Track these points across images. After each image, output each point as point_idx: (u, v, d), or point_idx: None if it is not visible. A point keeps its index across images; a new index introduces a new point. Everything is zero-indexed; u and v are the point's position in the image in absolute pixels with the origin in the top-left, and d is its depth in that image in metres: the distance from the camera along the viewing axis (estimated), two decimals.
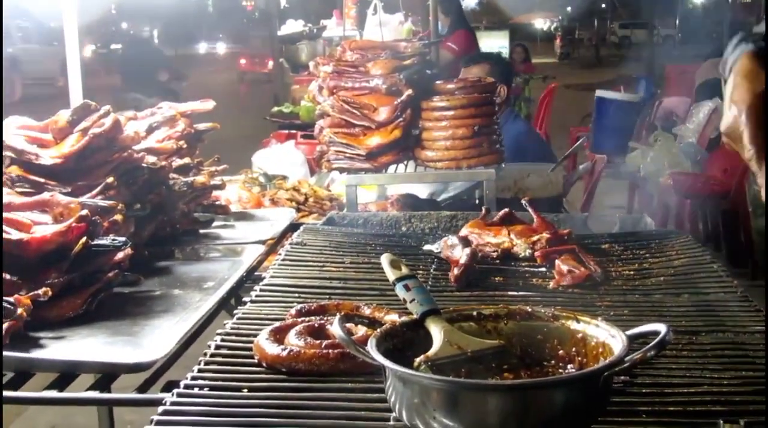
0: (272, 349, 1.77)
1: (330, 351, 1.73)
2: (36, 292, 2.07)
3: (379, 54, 3.98)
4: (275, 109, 8.66)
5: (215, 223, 3.22)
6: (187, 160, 3.02)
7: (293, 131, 6.79)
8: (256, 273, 2.71)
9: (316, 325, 1.88)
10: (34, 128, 2.59)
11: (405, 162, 3.82)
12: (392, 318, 1.95)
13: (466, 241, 2.51)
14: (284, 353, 1.74)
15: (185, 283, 2.52)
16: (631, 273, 2.44)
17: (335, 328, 1.63)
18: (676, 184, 8.36)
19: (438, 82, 3.91)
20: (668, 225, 8.21)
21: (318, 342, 1.78)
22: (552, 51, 36.72)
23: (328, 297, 2.25)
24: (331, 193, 4.98)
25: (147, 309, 2.29)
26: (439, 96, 3.69)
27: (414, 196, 4.42)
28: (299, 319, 1.94)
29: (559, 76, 21.67)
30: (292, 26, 9.77)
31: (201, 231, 3.12)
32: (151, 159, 2.72)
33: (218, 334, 1.99)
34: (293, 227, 3.21)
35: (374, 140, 3.65)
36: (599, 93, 11.63)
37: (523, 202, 2.90)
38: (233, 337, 1.97)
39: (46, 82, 21.59)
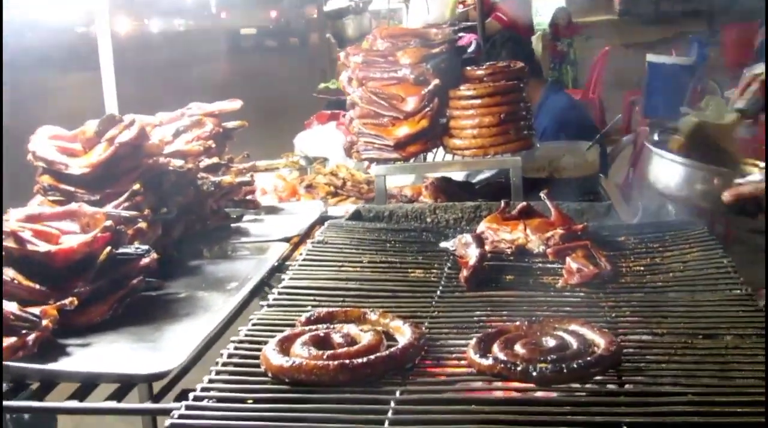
0: (277, 360, 1.86)
1: (330, 363, 1.81)
2: (63, 302, 2.19)
3: (408, 42, 4.03)
4: (322, 85, 8.74)
5: (246, 218, 3.32)
6: (215, 159, 3.11)
7: (335, 111, 6.86)
8: (286, 264, 2.80)
9: (321, 334, 1.97)
10: (64, 138, 2.70)
11: (434, 150, 3.88)
12: (396, 324, 2.03)
13: (479, 240, 2.57)
14: (287, 365, 1.83)
15: (210, 284, 2.63)
16: (641, 268, 2.48)
17: None
18: None
19: (468, 68, 3.95)
20: None
21: (320, 353, 1.86)
22: (611, 7, 36.00)
23: (342, 300, 2.33)
24: (369, 175, 5.05)
25: (171, 312, 2.40)
26: (466, 85, 3.73)
27: (448, 179, 4.47)
28: (307, 328, 2.03)
29: (616, 35, 21.21)
30: (338, 1, 9.82)
31: (232, 225, 3.23)
32: (178, 162, 2.82)
33: (232, 342, 2.08)
34: (322, 220, 3.31)
35: (402, 130, 3.71)
36: (650, 57, 11.46)
37: (542, 195, 2.95)
38: (246, 345, 2.06)
39: None
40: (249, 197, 3.40)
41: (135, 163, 2.65)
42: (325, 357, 1.85)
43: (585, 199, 4.84)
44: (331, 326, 2.03)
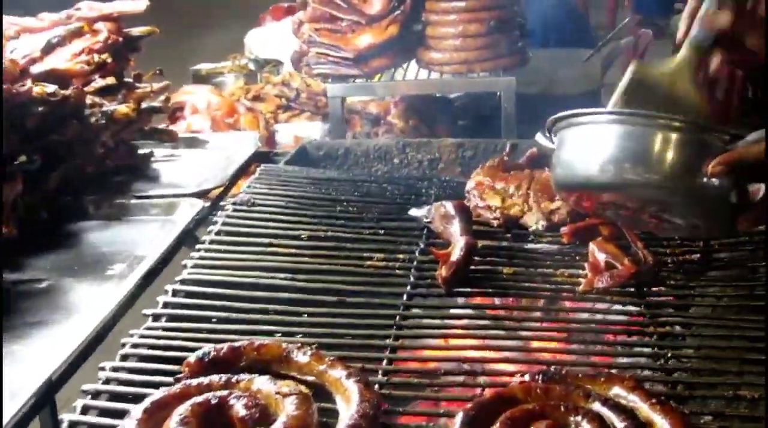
0: None
1: None
2: None
3: None
4: None
5: (160, 153, 2.55)
6: (110, 79, 2.32)
7: (294, 4, 6.01)
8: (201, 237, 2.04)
9: (213, 401, 1.23)
10: None
11: (404, 65, 3.10)
12: (335, 376, 1.30)
13: (464, 214, 1.81)
14: None
15: (86, 265, 1.87)
16: (695, 259, 1.75)
17: None
18: None
19: None
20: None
21: None
22: None
23: (264, 309, 1.59)
24: None
25: (17, 321, 1.63)
26: None
27: (422, 96, 3.70)
28: (195, 382, 1.29)
29: None
30: None
31: (140, 167, 2.46)
32: (50, 88, 2.03)
33: (84, 392, 1.35)
34: (258, 157, 2.54)
35: (365, 39, 2.94)
36: None
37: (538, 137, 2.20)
38: (101, 404, 1.33)
39: None
40: (163, 126, 2.63)
41: None
42: None
43: None
44: (233, 379, 1.28)
